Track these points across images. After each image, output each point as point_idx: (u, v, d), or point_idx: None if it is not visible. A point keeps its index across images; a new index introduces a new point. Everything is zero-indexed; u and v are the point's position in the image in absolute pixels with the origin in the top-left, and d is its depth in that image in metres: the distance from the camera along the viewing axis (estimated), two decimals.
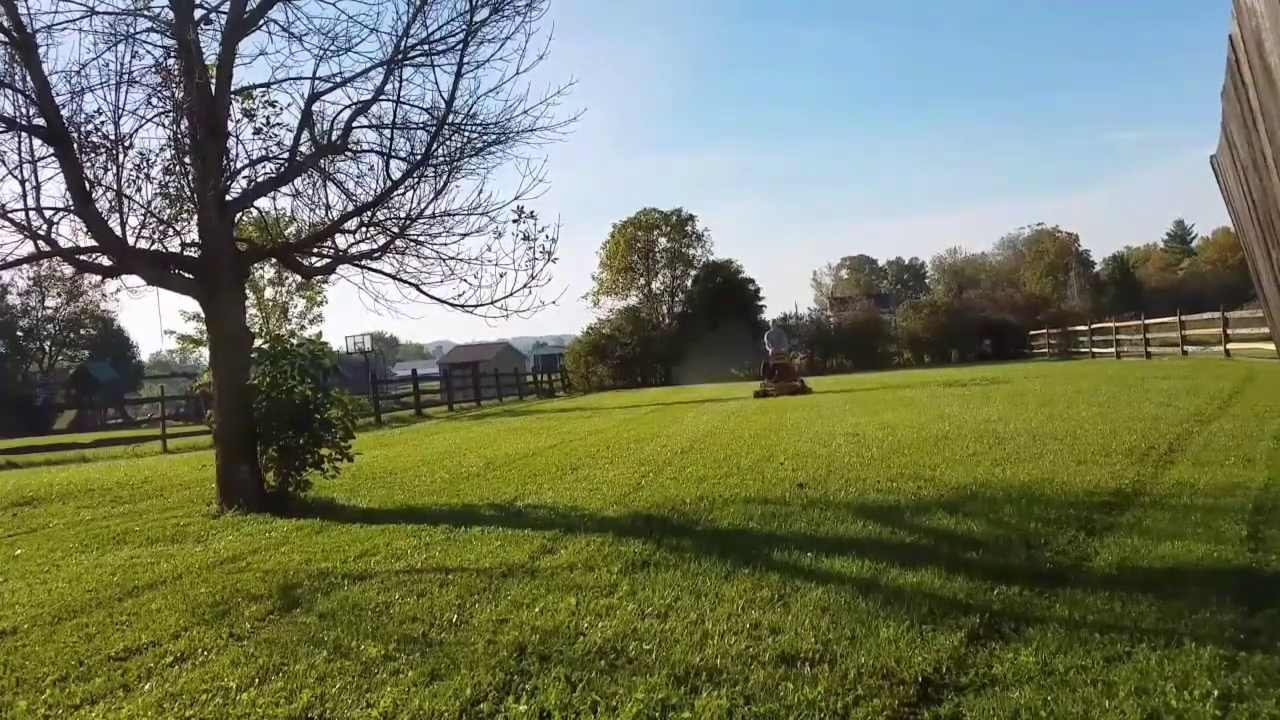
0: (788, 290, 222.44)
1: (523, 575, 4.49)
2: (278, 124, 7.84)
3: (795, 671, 3.00)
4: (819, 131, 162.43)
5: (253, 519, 6.82)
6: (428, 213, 7.90)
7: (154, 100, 7.54)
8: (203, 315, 8.13)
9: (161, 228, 7.79)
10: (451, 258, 7.99)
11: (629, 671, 3.10)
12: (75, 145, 7.03)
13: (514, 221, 7.79)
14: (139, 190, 7.53)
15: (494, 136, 7.82)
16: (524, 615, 3.83)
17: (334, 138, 7.72)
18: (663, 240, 51.51)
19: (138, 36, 7.24)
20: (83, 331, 52.21)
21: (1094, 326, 34.39)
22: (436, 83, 7.72)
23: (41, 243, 7.36)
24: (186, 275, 7.75)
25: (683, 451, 9.41)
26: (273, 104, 7.80)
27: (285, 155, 7.84)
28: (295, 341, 7.77)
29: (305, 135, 7.74)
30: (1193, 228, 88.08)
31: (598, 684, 3.00)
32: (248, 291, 24.70)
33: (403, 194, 7.89)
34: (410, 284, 8.04)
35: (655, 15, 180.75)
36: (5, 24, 6.71)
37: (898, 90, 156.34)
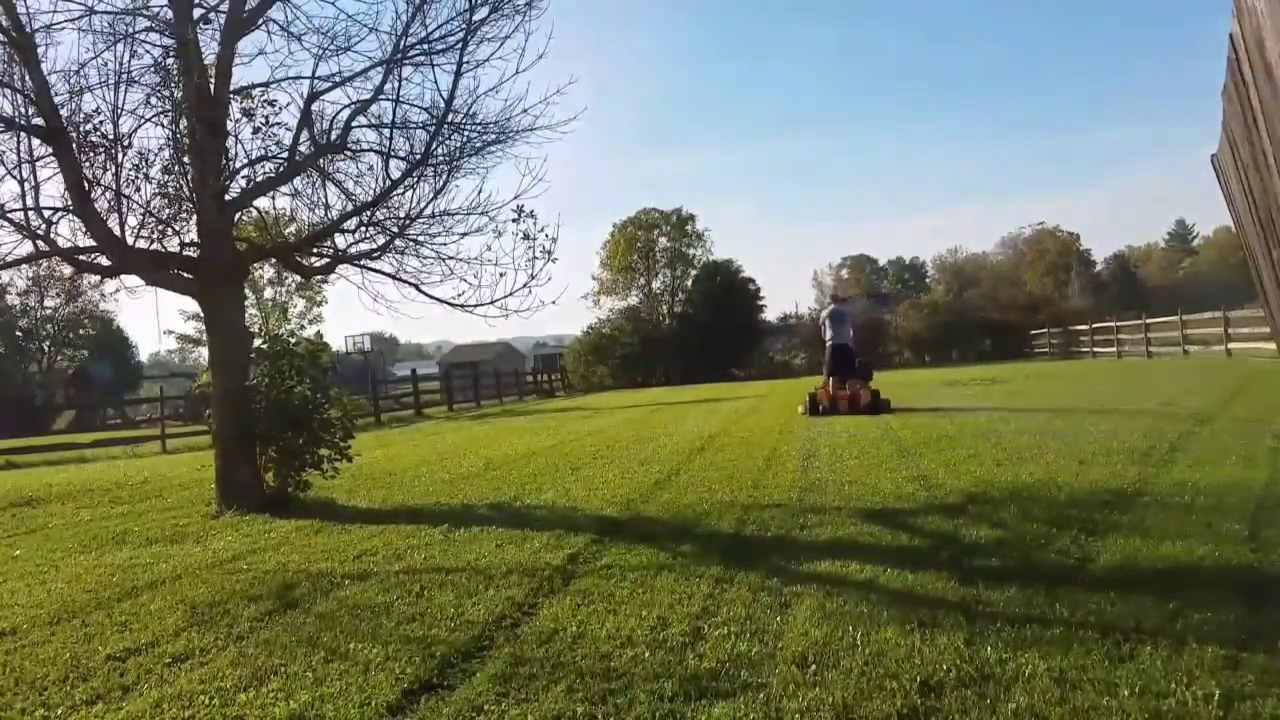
0: (788, 290, 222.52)
1: (522, 576, 4.48)
2: (277, 123, 7.82)
3: (796, 673, 2.99)
4: (819, 131, 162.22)
5: (252, 519, 6.81)
6: (427, 212, 7.88)
7: (153, 100, 7.53)
8: (202, 315, 8.12)
9: (161, 227, 7.78)
10: (451, 257, 7.97)
11: (630, 675, 3.09)
12: (74, 145, 7.02)
13: (513, 221, 7.76)
14: (138, 190, 7.53)
15: (494, 136, 7.80)
16: (523, 617, 3.82)
17: (333, 137, 7.71)
18: (663, 240, 51.43)
19: (136, 36, 7.22)
20: (82, 331, 52.15)
21: (1095, 326, 34.35)
22: (436, 82, 7.70)
23: (40, 242, 7.35)
24: (186, 275, 7.74)
25: (684, 452, 9.40)
26: (272, 103, 7.78)
27: (284, 155, 7.83)
28: (294, 341, 7.75)
29: (304, 135, 7.72)
30: (1194, 227, 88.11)
31: (600, 688, 2.99)
32: (247, 291, 24.74)
33: (402, 193, 7.87)
34: (410, 284, 8.02)
35: (651, 12, 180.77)
36: (4, 23, 6.70)
37: (898, 89, 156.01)
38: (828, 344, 13.78)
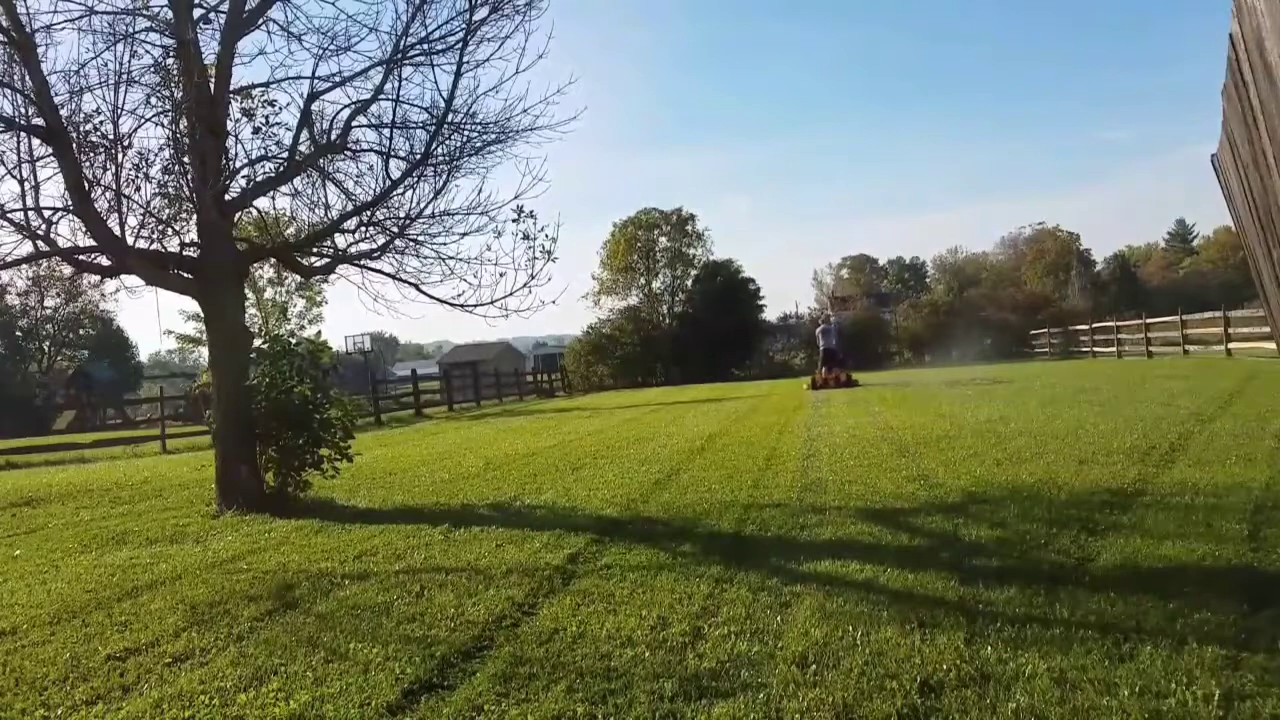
0: (788, 290, 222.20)
1: (522, 576, 4.48)
2: (277, 123, 7.84)
3: (796, 673, 2.99)
4: (818, 131, 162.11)
5: (252, 519, 6.81)
6: (427, 212, 7.89)
7: (153, 100, 7.54)
8: (202, 315, 8.13)
9: (160, 227, 7.79)
10: (451, 257, 7.99)
11: (630, 675, 3.09)
12: (74, 145, 7.02)
13: (513, 221, 7.78)
14: (138, 190, 7.54)
15: (494, 136, 7.81)
16: (523, 617, 3.82)
17: (333, 137, 7.71)
18: (663, 240, 51.46)
19: (136, 36, 7.23)
20: (82, 331, 52.19)
21: (1095, 326, 34.38)
22: (436, 82, 7.72)
23: (40, 243, 7.36)
24: (185, 275, 7.74)
25: (684, 453, 9.40)
26: (272, 103, 7.80)
27: (284, 155, 7.83)
28: (294, 341, 7.75)
29: (304, 135, 7.73)
30: (1194, 226, 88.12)
31: (600, 688, 2.99)
32: (247, 291, 24.74)
33: (402, 193, 7.89)
34: (410, 284, 8.03)
35: (651, 13, 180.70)
36: (4, 24, 6.70)
37: (896, 90, 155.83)
38: (821, 348, 22.71)
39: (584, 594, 4.08)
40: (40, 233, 7.24)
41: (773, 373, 41.85)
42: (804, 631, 3.37)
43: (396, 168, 7.77)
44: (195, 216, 7.69)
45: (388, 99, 7.66)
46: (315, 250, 8.41)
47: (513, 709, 2.86)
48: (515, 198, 7.71)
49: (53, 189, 7.41)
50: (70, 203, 7.07)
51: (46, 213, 7.21)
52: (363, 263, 8.08)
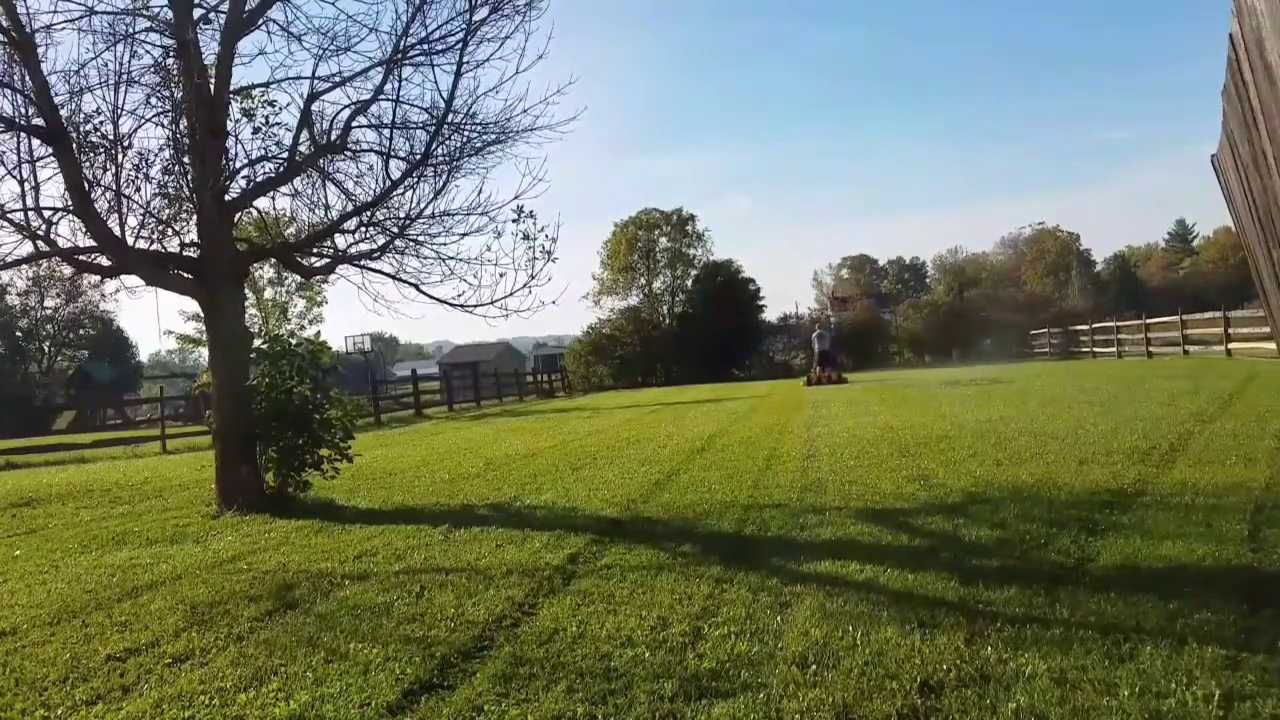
0: (788, 290, 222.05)
1: (522, 576, 4.48)
2: (277, 123, 7.84)
3: (796, 673, 2.99)
4: (817, 131, 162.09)
5: (252, 519, 6.81)
6: (427, 212, 7.89)
7: (153, 100, 7.54)
8: (202, 315, 8.13)
9: (160, 227, 7.79)
10: (451, 257, 7.98)
11: (630, 675, 3.09)
12: (74, 145, 7.02)
13: (514, 221, 7.77)
14: (138, 190, 7.54)
15: (494, 136, 7.81)
16: (523, 617, 3.82)
17: (333, 137, 7.71)
18: (663, 240, 51.50)
19: (137, 36, 7.23)
20: (82, 332, 52.21)
21: (1095, 326, 34.38)
22: (436, 82, 7.71)
23: (41, 243, 7.35)
24: (186, 275, 7.74)
25: (684, 453, 9.40)
26: (272, 103, 7.79)
27: (284, 155, 7.83)
28: (294, 341, 7.75)
29: (304, 135, 7.73)
30: (1194, 227, 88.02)
31: (600, 688, 2.99)
32: (247, 291, 24.73)
33: (402, 194, 7.88)
34: (410, 284, 8.03)
35: (652, 14, 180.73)
36: (4, 24, 6.70)
37: (895, 90, 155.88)
38: (816, 350, 26.05)
39: (584, 594, 4.08)
40: (40, 233, 7.24)
41: (773, 373, 41.86)
42: (804, 631, 3.37)
43: (396, 168, 7.78)
44: (195, 216, 7.69)
45: (388, 99, 7.67)
46: (315, 250, 8.41)
47: (513, 709, 2.86)
48: (515, 198, 7.71)
49: (53, 189, 7.41)
50: (70, 203, 7.07)
51: (46, 213, 7.21)
52: (363, 263, 8.07)
